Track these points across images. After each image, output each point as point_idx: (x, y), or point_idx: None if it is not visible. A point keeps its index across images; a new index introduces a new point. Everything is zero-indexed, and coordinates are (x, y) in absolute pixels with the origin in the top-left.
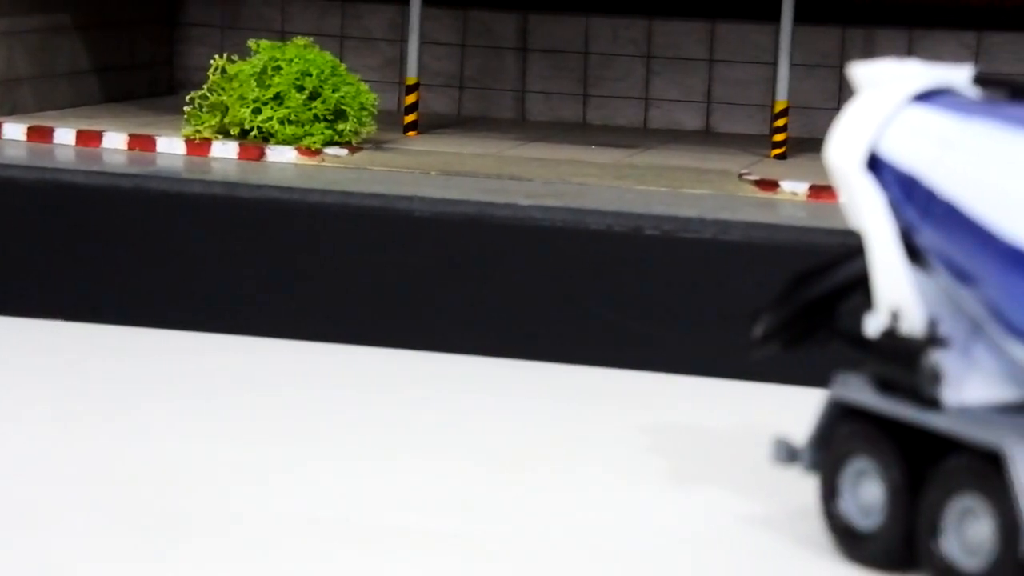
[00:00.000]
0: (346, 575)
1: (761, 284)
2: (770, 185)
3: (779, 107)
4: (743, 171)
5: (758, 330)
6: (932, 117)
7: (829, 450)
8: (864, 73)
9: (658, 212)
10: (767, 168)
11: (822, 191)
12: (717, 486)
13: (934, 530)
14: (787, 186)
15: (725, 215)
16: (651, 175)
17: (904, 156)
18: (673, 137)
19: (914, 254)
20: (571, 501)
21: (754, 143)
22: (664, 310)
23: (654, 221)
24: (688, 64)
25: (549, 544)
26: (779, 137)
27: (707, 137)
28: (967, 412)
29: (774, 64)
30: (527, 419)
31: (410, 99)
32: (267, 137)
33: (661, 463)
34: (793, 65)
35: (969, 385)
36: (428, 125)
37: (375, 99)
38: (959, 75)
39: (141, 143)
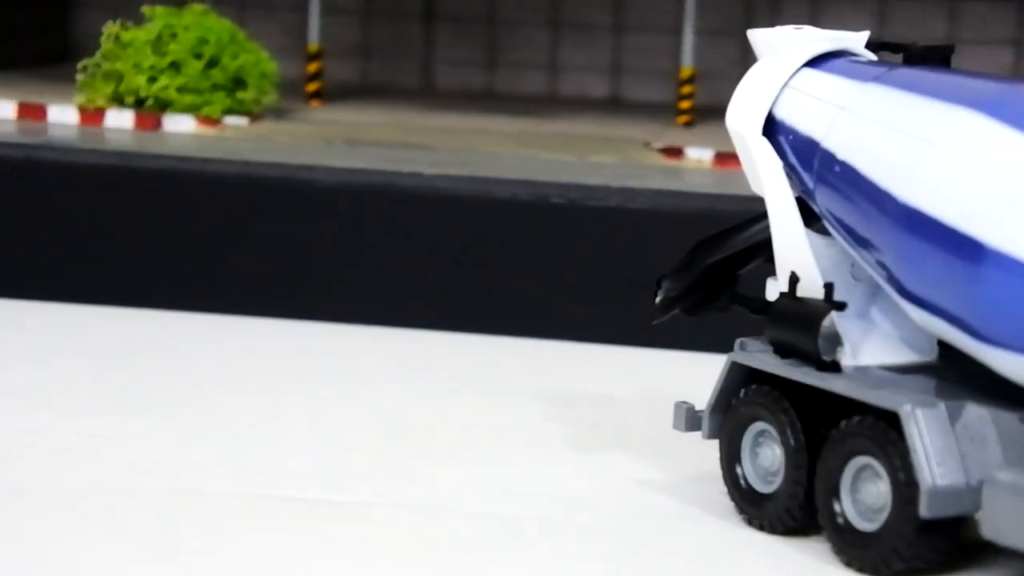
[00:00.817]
0: (231, 546)
1: (668, 252)
2: (676, 153)
3: (684, 74)
4: (649, 139)
5: (660, 297)
6: (828, 81)
7: (730, 415)
8: (762, 38)
9: (564, 180)
10: (674, 136)
11: (728, 158)
12: (620, 452)
13: (833, 492)
14: (693, 153)
15: (631, 183)
16: (557, 143)
17: (801, 121)
18: (580, 105)
19: (812, 218)
20: (472, 469)
21: (661, 111)
22: (570, 278)
23: (560, 189)
24: (594, 32)
25: (448, 511)
26: (685, 104)
27: (614, 105)
28: (865, 374)
29: (680, 32)
30: (430, 388)
31: (312, 67)
32: (164, 106)
33: (565, 430)
34: (699, 33)
35: (867, 347)
36: (332, 94)
37: (276, 67)
38: (855, 40)
39: (31, 112)
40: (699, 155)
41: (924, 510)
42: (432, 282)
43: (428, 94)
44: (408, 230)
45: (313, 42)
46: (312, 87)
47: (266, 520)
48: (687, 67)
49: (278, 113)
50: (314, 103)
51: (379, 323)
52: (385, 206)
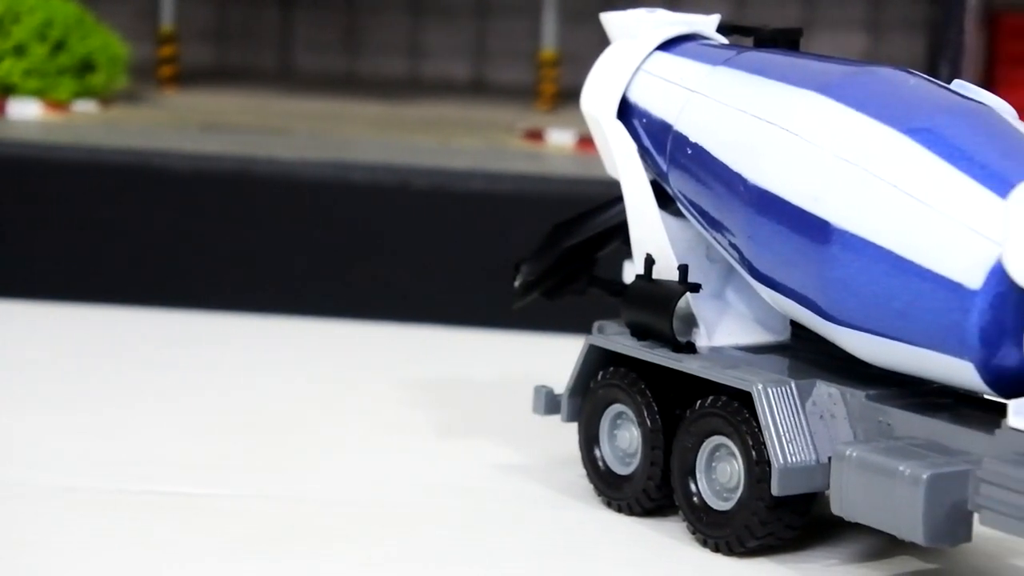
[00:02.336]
0: (90, 541)
1: (530, 236)
2: (538, 136)
3: (546, 58)
4: (512, 123)
5: (519, 281)
6: (680, 65)
7: (588, 398)
8: (615, 22)
9: (426, 165)
10: (536, 119)
11: (589, 142)
12: (481, 437)
13: (689, 472)
14: (555, 137)
15: (494, 167)
16: (419, 127)
17: (654, 104)
18: (443, 89)
19: (667, 201)
20: (335, 457)
21: (524, 94)
22: (432, 263)
23: (422, 174)
24: (456, 15)
25: (309, 500)
26: (547, 88)
27: (477, 89)
28: (719, 355)
29: (541, 15)
30: (292, 377)
31: (166, 51)
32: (8, 91)
33: (427, 416)
34: (560, 16)
35: (721, 328)
36: (187, 78)
37: (127, 51)
38: (706, 23)
39: None
40: (561, 139)
41: (775, 488)
42: (291, 269)
43: (287, 78)
44: (265, 217)
45: (166, 25)
46: (166, 71)
47: (126, 513)
48: (549, 50)
49: (130, 98)
50: (168, 87)
51: (238, 311)
52: (241, 192)
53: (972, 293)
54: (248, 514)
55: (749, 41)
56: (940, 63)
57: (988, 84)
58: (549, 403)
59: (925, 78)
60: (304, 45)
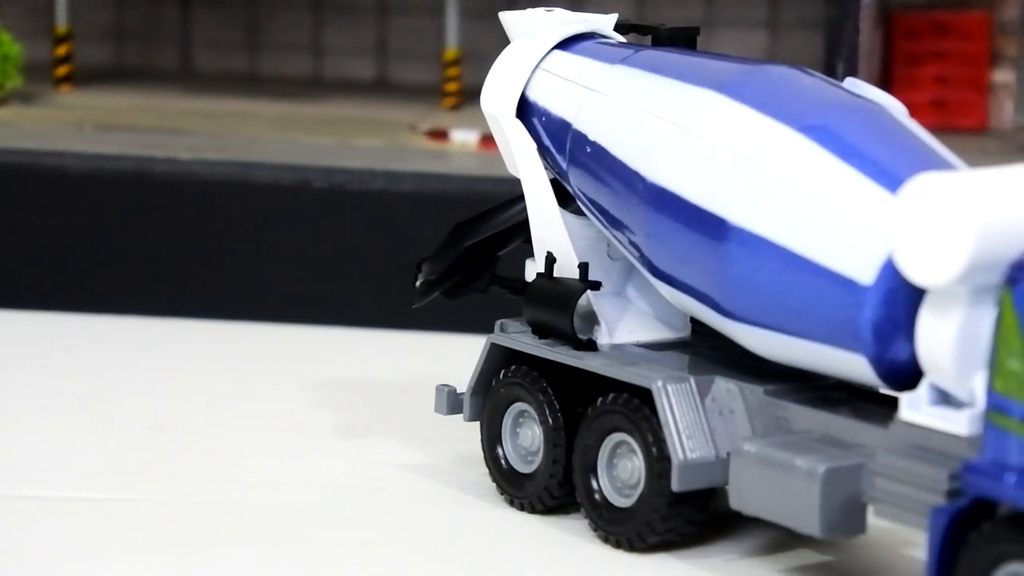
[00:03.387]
0: None
1: (433, 235)
2: (441, 135)
3: (450, 56)
4: (415, 122)
5: (419, 280)
6: (578, 63)
7: (490, 397)
8: (514, 20)
9: (327, 164)
10: (439, 118)
11: (493, 141)
12: (383, 437)
13: (590, 469)
14: (458, 136)
15: (396, 166)
16: (321, 127)
17: (553, 102)
18: (345, 88)
19: (568, 199)
20: (236, 460)
21: (427, 93)
22: (334, 263)
23: (322, 174)
24: (359, 13)
25: (208, 504)
26: (451, 87)
27: (380, 87)
28: (620, 352)
29: (444, 13)
30: (193, 379)
31: (61, 50)
32: None
33: (329, 417)
34: (463, 14)
35: (622, 326)
36: (83, 78)
37: (20, 50)
38: (604, 22)
39: None
40: (464, 138)
41: (676, 484)
42: (191, 270)
43: (186, 77)
44: (164, 217)
45: (61, 24)
46: (61, 71)
47: (17, 519)
48: (452, 49)
49: (24, 98)
50: (64, 87)
51: (136, 313)
52: (139, 193)
53: (864, 289)
54: (147, 519)
55: (647, 40)
56: (836, 62)
57: (885, 82)
58: (451, 402)
59: (819, 77)
60: (204, 44)
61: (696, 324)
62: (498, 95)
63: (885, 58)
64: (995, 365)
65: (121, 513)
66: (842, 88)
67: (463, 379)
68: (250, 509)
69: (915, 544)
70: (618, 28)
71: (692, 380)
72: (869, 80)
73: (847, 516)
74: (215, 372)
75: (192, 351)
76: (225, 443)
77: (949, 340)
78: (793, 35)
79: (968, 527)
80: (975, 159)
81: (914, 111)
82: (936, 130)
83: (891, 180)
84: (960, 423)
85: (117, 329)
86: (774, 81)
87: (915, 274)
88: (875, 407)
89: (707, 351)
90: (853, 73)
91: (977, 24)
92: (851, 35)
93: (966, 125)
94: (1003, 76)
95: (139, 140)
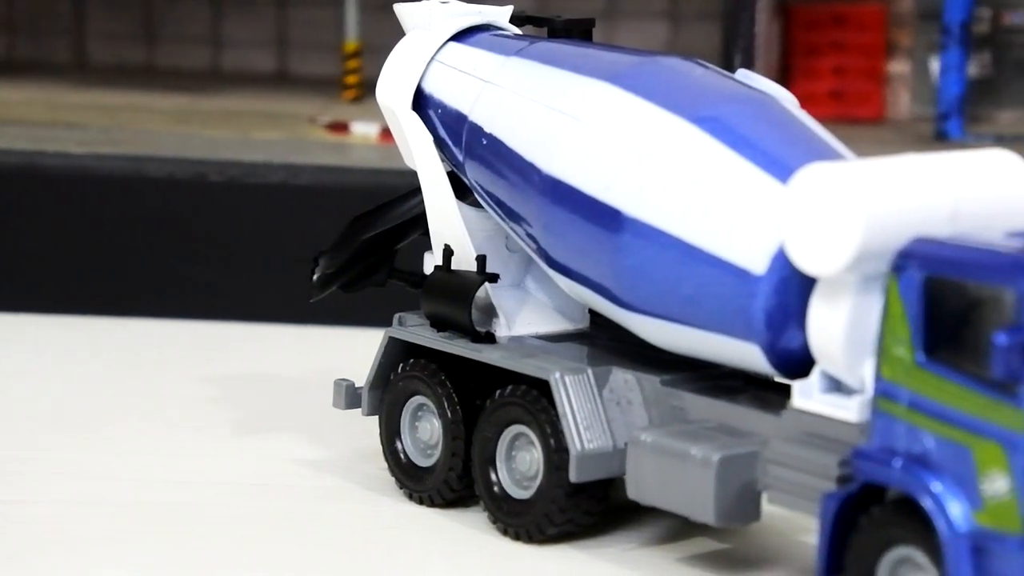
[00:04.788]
0: None
1: (332, 228)
2: (341, 128)
3: (349, 48)
4: (315, 114)
5: (317, 274)
6: (473, 55)
7: (389, 390)
8: (409, 12)
9: (224, 158)
10: (340, 111)
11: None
12: (282, 433)
13: (489, 462)
14: (359, 128)
15: (295, 159)
16: (219, 120)
17: (449, 95)
18: (245, 80)
19: (466, 191)
20: (133, 459)
21: (328, 86)
22: (230, 258)
23: (218, 167)
24: (258, 5)
25: (102, 503)
26: (352, 79)
27: (280, 80)
28: (519, 344)
29: (343, 5)
30: (89, 377)
31: None
32: None
33: (228, 414)
34: (365, 6)
35: (521, 318)
36: None
37: None
38: (500, 14)
39: None
40: (365, 130)
41: (573, 475)
42: (83, 266)
43: (80, 70)
44: (55, 213)
45: None
46: None
47: None
48: (352, 41)
49: None
50: None
51: (30, 311)
52: (28, 188)
53: (757, 278)
54: (36, 520)
55: (544, 31)
56: (734, 53)
57: (784, 73)
58: (350, 397)
59: (711, 68)
60: (98, 36)
61: (595, 315)
62: (393, 87)
63: (784, 49)
64: (882, 352)
65: (10, 514)
66: (734, 79)
67: (361, 373)
68: (142, 508)
69: (809, 530)
70: (513, 20)
71: (590, 371)
72: (767, 71)
73: (742, 503)
74: (109, 370)
75: (85, 349)
76: (118, 442)
77: (839, 328)
78: (692, 26)
79: (858, 512)
80: (872, 149)
81: (812, 102)
82: (834, 120)
83: (782, 170)
84: (850, 410)
85: (6, 327)
86: (667, 72)
87: (805, 263)
88: (769, 395)
89: (605, 342)
90: (750, 64)
91: (873, 16)
92: (748, 26)
93: (863, 115)
94: (899, 67)
95: (29, 134)
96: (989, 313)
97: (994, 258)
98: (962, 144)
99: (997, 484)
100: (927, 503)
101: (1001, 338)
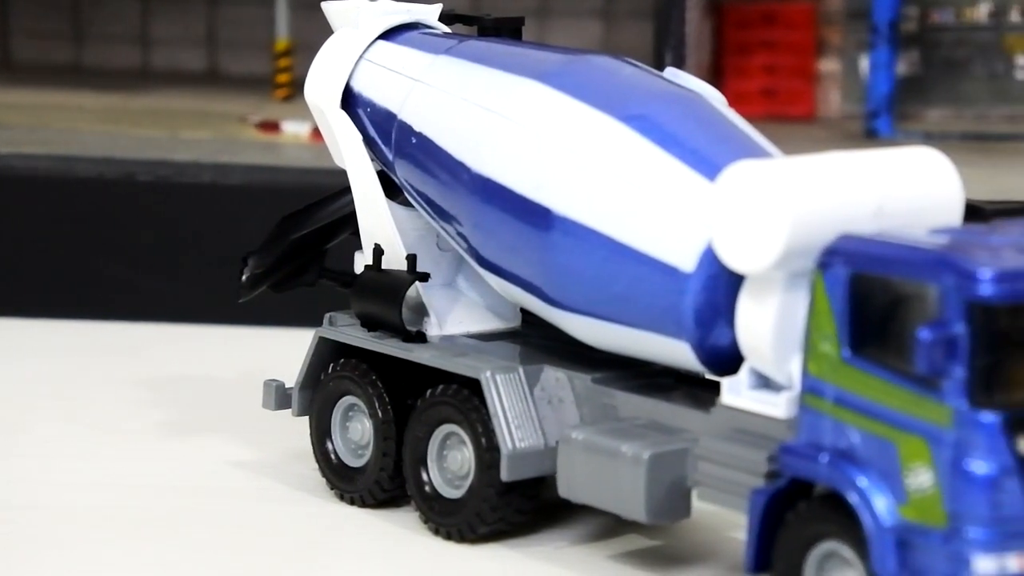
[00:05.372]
0: None
1: (263, 228)
2: (272, 127)
3: (280, 47)
4: (246, 113)
5: (246, 274)
6: (402, 54)
7: (319, 391)
8: (337, 10)
9: (153, 158)
10: (271, 110)
11: None
12: (212, 435)
13: (421, 461)
14: (290, 127)
15: (225, 159)
16: (148, 120)
17: (378, 93)
18: (175, 79)
19: (396, 190)
20: (56, 463)
21: (259, 84)
22: (159, 258)
23: (148, 167)
24: (188, 3)
25: (23, 508)
26: (283, 78)
27: (211, 79)
28: (450, 343)
29: (274, 3)
30: (12, 379)
31: None
32: None
33: (157, 416)
34: (296, 4)
35: (453, 317)
36: None
37: None
38: (428, 12)
39: None
40: (296, 129)
41: (505, 473)
42: (11, 267)
43: (5, 69)
44: None
45: None
46: None
47: None
48: (283, 39)
49: None
50: None
51: None
52: None
53: (686, 276)
54: None
55: (474, 30)
56: (665, 51)
57: (716, 72)
58: (279, 398)
59: (640, 66)
60: (24, 34)
61: (527, 314)
62: (322, 86)
63: (716, 48)
64: (809, 348)
65: None
66: (662, 78)
67: (291, 374)
68: (67, 512)
69: (739, 526)
70: (443, 18)
71: (521, 370)
72: (699, 69)
73: (672, 501)
74: (35, 372)
75: (11, 351)
76: (42, 445)
77: (767, 325)
78: (625, 25)
79: (786, 508)
80: (803, 147)
81: (745, 100)
82: (766, 118)
83: (710, 168)
84: (778, 406)
85: None
86: (596, 71)
87: (733, 261)
88: (700, 392)
89: (537, 341)
90: (681, 62)
91: (803, 14)
92: (678, 25)
93: (795, 113)
94: (829, 65)
95: None
96: (913, 309)
97: (918, 255)
98: (892, 142)
99: (921, 478)
100: (853, 498)
101: (924, 333)
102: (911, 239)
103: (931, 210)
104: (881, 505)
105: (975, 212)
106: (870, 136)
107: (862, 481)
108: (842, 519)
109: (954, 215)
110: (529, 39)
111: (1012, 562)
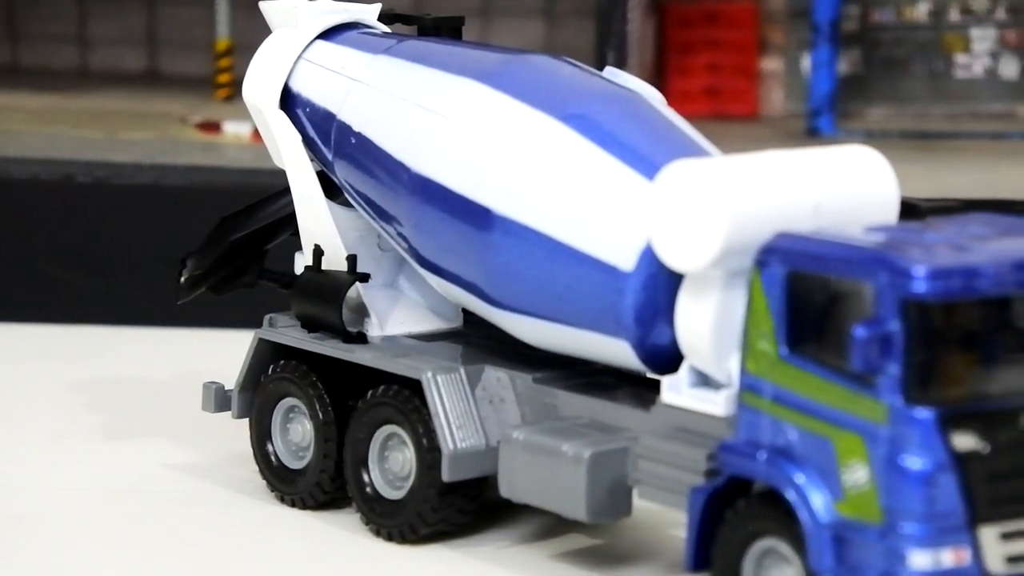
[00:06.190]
0: None
1: (204, 229)
2: (213, 127)
3: (221, 47)
4: (186, 114)
5: (184, 275)
6: (341, 54)
7: (259, 393)
8: (275, 10)
9: (91, 159)
10: (211, 110)
11: None
12: (151, 438)
13: (362, 462)
14: (231, 128)
15: (165, 160)
16: (87, 120)
17: (317, 93)
18: (114, 80)
19: (336, 191)
20: None
21: (199, 84)
22: (98, 260)
23: (86, 168)
24: (127, 3)
25: None
26: (224, 78)
27: (151, 79)
28: (392, 344)
29: (214, 3)
30: None
31: None
32: None
33: (95, 419)
34: (236, 4)
35: (394, 317)
36: None
37: None
38: (368, 12)
39: None
40: (237, 129)
41: (446, 474)
42: None
43: None
44: None
45: None
46: None
47: None
48: (223, 39)
49: None
50: None
51: None
52: None
53: (625, 275)
54: None
55: (414, 29)
56: (607, 50)
57: (659, 71)
58: (219, 400)
59: (579, 66)
60: None
61: (468, 314)
62: (260, 86)
63: (659, 47)
64: (747, 346)
65: None
66: (601, 77)
67: (231, 376)
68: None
69: (679, 524)
70: (382, 18)
71: (462, 370)
72: (642, 68)
73: (613, 499)
74: None
75: None
76: None
77: (706, 323)
78: (568, 24)
79: (725, 506)
80: (745, 145)
81: (688, 99)
82: (709, 117)
83: (648, 167)
84: (717, 404)
85: None
86: (535, 71)
87: (672, 260)
88: (641, 391)
89: (479, 341)
90: (623, 61)
91: (745, 14)
92: (620, 24)
93: (738, 112)
94: (772, 64)
95: None
96: (849, 307)
97: (853, 253)
98: (833, 140)
99: (857, 475)
100: (790, 495)
101: (860, 331)
102: (847, 237)
103: (867, 208)
104: (818, 502)
105: (911, 210)
106: (812, 134)
107: (799, 478)
108: (780, 516)
109: (890, 213)
110: (472, 39)
111: (946, 557)
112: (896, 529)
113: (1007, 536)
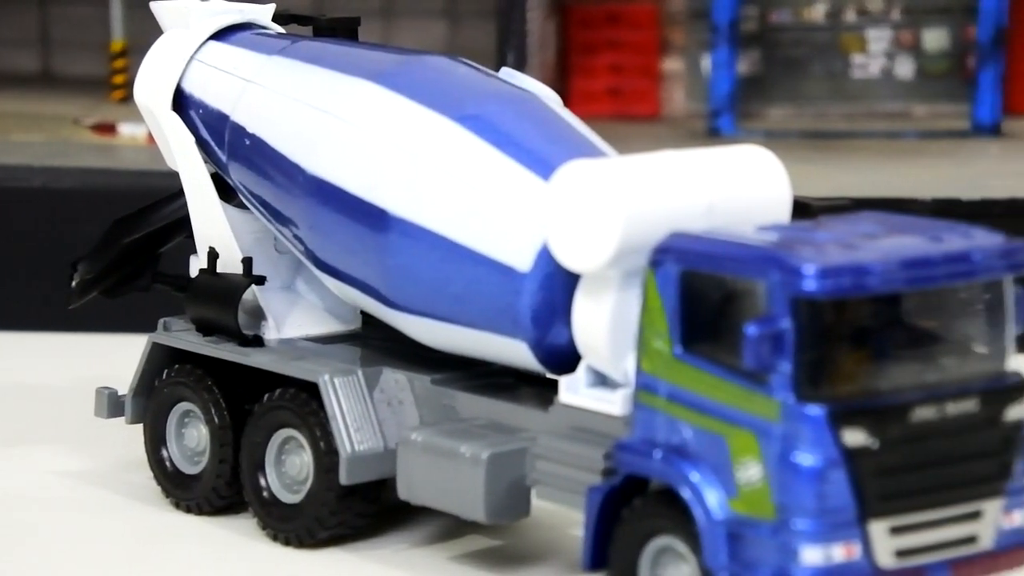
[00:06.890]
0: None
1: (98, 232)
2: (108, 129)
3: (116, 47)
4: (80, 115)
5: (76, 280)
6: (235, 54)
7: (153, 398)
8: (167, 10)
9: None
10: (106, 111)
11: None
12: (43, 444)
13: (258, 467)
14: (126, 129)
15: (58, 162)
16: None
17: (210, 95)
18: (7, 81)
19: (231, 193)
20: None
21: (94, 86)
22: None
23: None
24: (20, 2)
25: None
26: (119, 79)
27: (45, 80)
28: (288, 347)
29: (109, 3)
30: None
31: None
32: None
33: None
34: (131, 4)
35: (291, 320)
36: None
37: None
38: (262, 12)
39: None
40: (133, 131)
41: (344, 477)
42: None
43: None
44: None
45: None
46: None
47: None
48: (118, 40)
49: None
50: None
51: None
52: None
53: (522, 276)
54: None
55: (309, 30)
56: (507, 51)
57: (562, 71)
58: (112, 405)
59: (475, 66)
60: None
61: (367, 316)
62: (152, 87)
63: (561, 47)
64: (642, 346)
65: None
66: (498, 78)
67: (125, 380)
68: None
69: (578, 524)
70: (277, 18)
71: (360, 372)
72: (544, 69)
73: (512, 500)
74: None
75: None
76: None
77: (602, 323)
78: (470, 24)
79: (622, 504)
80: (647, 145)
81: (591, 99)
82: (612, 118)
83: (544, 167)
84: (614, 403)
85: None
86: (431, 71)
87: (567, 260)
88: (538, 391)
89: (377, 343)
90: (523, 62)
91: (646, 15)
92: (520, 24)
93: (640, 112)
94: (673, 65)
95: None
96: (742, 305)
97: (745, 252)
98: (734, 140)
99: (750, 472)
100: (685, 493)
101: (752, 329)
102: (739, 236)
103: (760, 207)
104: (713, 499)
105: (803, 209)
106: (713, 134)
107: (694, 476)
108: (676, 514)
109: (783, 212)
110: (373, 39)
111: (837, 552)
112: (788, 525)
113: (896, 530)
